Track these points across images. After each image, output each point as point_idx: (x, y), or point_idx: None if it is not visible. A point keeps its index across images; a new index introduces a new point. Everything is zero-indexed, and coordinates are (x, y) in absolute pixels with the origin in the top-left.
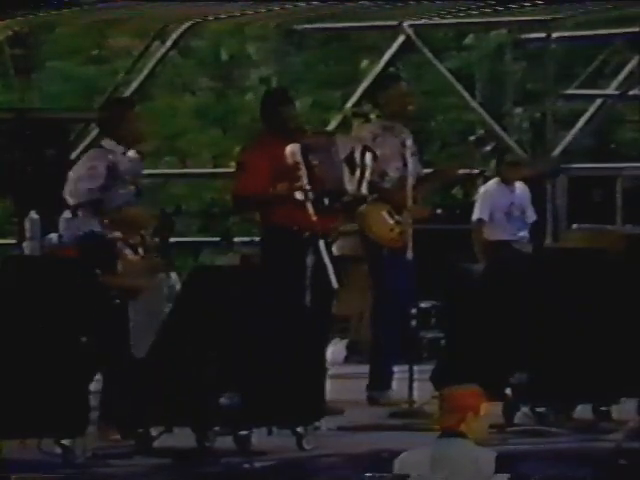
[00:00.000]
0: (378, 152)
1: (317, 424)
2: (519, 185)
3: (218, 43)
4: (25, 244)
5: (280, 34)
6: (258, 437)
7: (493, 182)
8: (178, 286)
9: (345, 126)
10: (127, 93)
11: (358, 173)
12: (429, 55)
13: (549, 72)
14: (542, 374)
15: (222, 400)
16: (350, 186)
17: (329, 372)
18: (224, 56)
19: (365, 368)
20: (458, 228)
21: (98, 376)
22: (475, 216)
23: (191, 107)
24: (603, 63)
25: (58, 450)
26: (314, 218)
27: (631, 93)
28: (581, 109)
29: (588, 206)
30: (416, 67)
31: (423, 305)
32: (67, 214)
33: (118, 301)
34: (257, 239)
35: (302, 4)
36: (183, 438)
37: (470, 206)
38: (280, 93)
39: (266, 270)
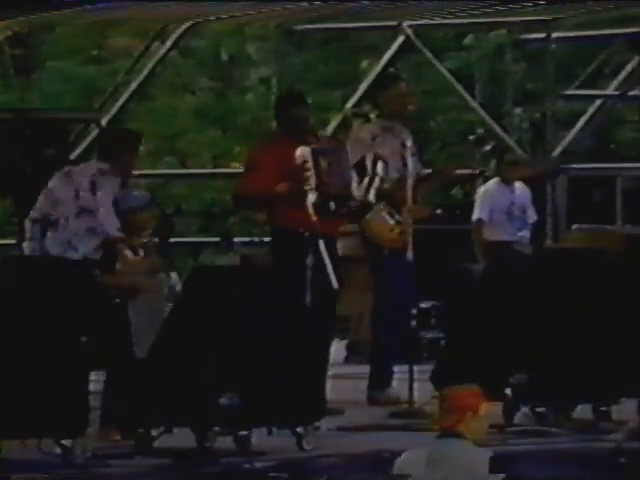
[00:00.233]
0: (378, 152)
1: (317, 424)
2: (519, 185)
3: (218, 43)
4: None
5: (280, 34)
6: (258, 437)
7: (493, 182)
8: (178, 286)
9: (345, 126)
10: (127, 93)
11: (367, 180)
12: (429, 55)
13: (549, 72)
14: (542, 374)
15: (222, 400)
16: (357, 192)
17: (329, 372)
18: (224, 56)
19: (365, 368)
20: (458, 228)
21: (98, 376)
22: (475, 216)
23: (191, 107)
24: (603, 63)
25: (58, 450)
26: (314, 219)
27: (631, 93)
28: (581, 109)
29: (588, 206)
30: (416, 67)
31: (423, 305)
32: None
33: (118, 301)
34: (257, 239)
35: (303, 4)
36: (183, 438)
37: (470, 206)
38: (294, 94)
39: (267, 270)
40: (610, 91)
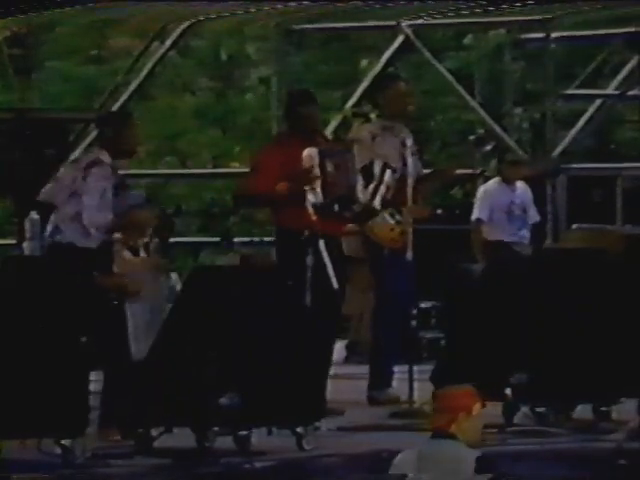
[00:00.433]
0: (378, 152)
1: (317, 424)
2: (520, 185)
3: (218, 43)
4: (25, 244)
5: (280, 34)
6: (258, 437)
7: (493, 182)
8: (178, 286)
9: (345, 126)
10: (127, 93)
11: (373, 186)
12: (428, 55)
13: (549, 72)
14: (542, 374)
15: (222, 400)
16: (362, 195)
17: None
18: (224, 56)
19: (365, 368)
20: (458, 228)
21: (98, 376)
22: (474, 216)
23: (191, 107)
24: (603, 63)
25: (58, 450)
26: (314, 219)
27: (631, 93)
28: (581, 109)
29: (588, 206)
30: (415, 67)
31: (423, 305)
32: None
33: (118, 301)
34: (257, 239)
35: (304, 3)
36: (183, 438)
37: (470, 206)
38: (303, 92)
39: (267, 270)
40: (610, 91)
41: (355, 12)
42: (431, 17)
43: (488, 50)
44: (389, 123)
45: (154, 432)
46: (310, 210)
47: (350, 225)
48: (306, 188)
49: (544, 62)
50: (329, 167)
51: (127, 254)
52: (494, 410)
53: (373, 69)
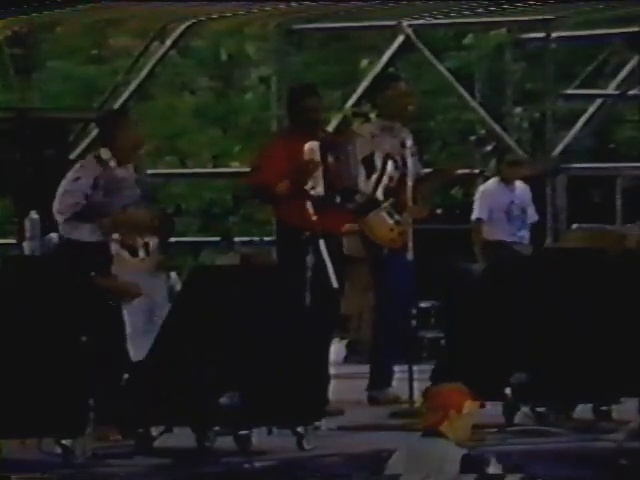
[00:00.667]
0: (378, 152)
1: (317, 424)
2: (520, 184)
3: (218, 43)
4: (25, 244)
5: (280, 34)
6: (258, 437)
7: (492, 181)
8: (178, 286)
9: (345, 126)
10: (127, 93)
11: (375, 177)
12: (429, 55)
13: (549, 72)
14: (542, 374)
15: (222, 400)
16: (364, 187)
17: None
18: (224, 56)
19: (365, 368)
20: (458, 228)
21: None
22: (474, 216)
23: (191, 107)
24: (603, 63)
25: (58, 450)
26: (314, 218)
27: (631, 93)
28: (581, 109)
29: (588, 206)
30: (416, 67)
31: (423, 305)
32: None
33: (118, 301)
34: (257, 239)
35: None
36: (183, 438)
37: (470, 206)
38: (306, 86)
39: (267, 269)
40: (610, 91)
41: (355, 12)
42: (432, 17)
43: (488, 50)
44: (389, 123)
45: (154, 432)
46: (311, 209)
47: (350, 225)
48: (308, 183)
49: (544, 62)
50: (331, 159)
51: (125, 254)
52: (494, 410)
53: (373, 69)
